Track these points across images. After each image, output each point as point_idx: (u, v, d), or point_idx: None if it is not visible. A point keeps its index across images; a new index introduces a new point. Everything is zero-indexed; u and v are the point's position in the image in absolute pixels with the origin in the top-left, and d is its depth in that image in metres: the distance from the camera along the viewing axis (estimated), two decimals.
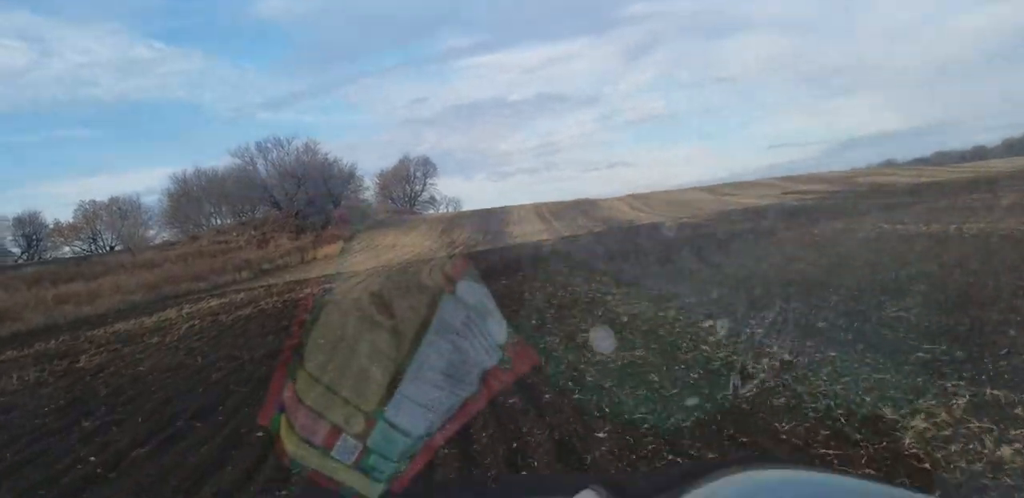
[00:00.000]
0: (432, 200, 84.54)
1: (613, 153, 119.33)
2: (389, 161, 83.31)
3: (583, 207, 62.56)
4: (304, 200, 53.85)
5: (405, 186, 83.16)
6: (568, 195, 70.50)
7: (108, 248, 62.34)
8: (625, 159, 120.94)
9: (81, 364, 13.23)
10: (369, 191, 75.81)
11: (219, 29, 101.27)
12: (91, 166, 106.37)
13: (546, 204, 66.94)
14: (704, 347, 7.70)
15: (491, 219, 58.04)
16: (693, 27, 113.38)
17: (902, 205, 30.00)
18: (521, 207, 65.91)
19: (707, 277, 13.85)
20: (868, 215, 26.45)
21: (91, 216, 66.43)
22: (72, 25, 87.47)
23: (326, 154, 60.12)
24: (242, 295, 26.89)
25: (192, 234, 56.09)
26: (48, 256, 60.07)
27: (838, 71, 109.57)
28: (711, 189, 71.92)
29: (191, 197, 64.38)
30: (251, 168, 55.18)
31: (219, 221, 63.62)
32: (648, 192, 74.69)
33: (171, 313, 22.99)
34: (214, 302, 25.30)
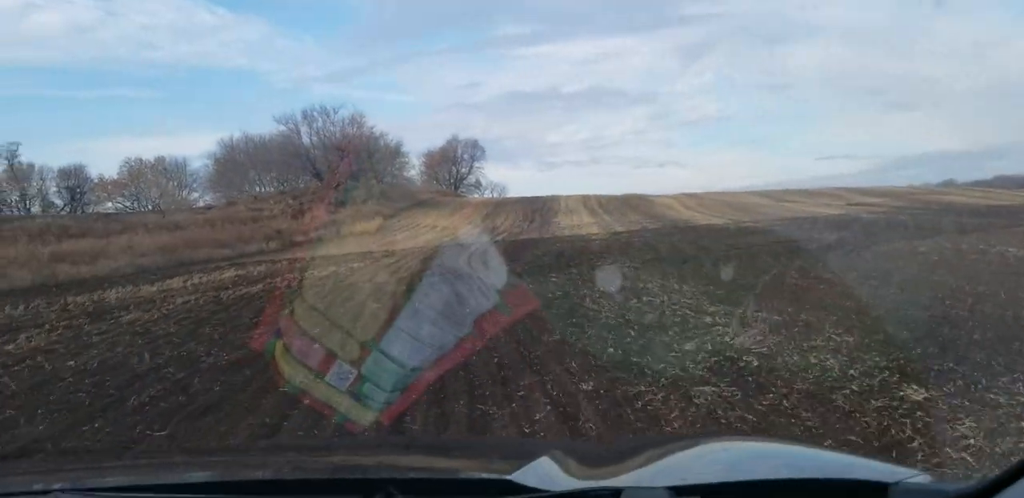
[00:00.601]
0: (478, 184, 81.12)
1: (663, 152, 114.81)
2: (436, 144, 79.76)
3: (633, 202, 58.64)
4: (346, 173, 50.73)
5: (451, 168, 79.86)
6: (615, 190, 66.55)
7: (151, 207, 60.35)
8: (675, 159, 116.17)
9: (11, 346, 10.04)
10: (414, 170, 72.67)
11: None
12: (146, 127, 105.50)
13: (596, 196, 63.10)
14: (957, 454, 4.10)
15: (538, 207, 54.46)
16: (753, 31, 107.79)
17: (995, 226, 25.92)
18: (569, 198, 62.15)
19: (833, 302, 10.18)
20: (967, 235, 22.47)
21: (135, 173, 64.51)
22: None
23: (372, 127, 56.93)
24: (261, 268, 23.81)
25: (230, 199, 53.53)
26: (91, 210, 58.27)
27: (897, 86, 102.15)
28: (768, 194, 67.43)
29: (236, 162, 61.92)
30: (295, 136, 52.23)
31: (262, 189, 61.07)
32: (701, 192, 70.48)
33: (175, 283, 19.95)
34: (228, 273, 22.24)
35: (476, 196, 74.37)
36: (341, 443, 3.62)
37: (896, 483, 1.20)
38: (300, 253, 30.81)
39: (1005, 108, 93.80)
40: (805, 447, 2.45)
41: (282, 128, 52.79)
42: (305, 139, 52.39)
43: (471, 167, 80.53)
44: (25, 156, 60.18)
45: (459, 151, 79.50)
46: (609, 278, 15.93)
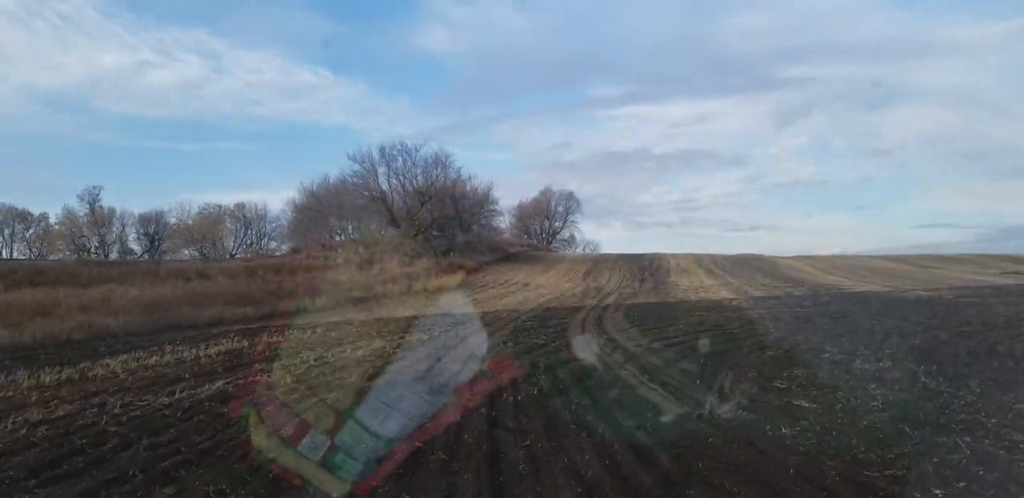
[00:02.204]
0: (571, 239, 72.16)
1: (755, 215, 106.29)
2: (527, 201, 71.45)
3: (754, 263, 48.43)
4: (427, 219, 42.63)
5: (544, 221, 71.34)
6: (710, 251, 57.01)
7: (230, 255, 54.48)
8: (767, 222, 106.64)
9: None
10: (504, 223, 64.23)
11: (381, 61, 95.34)
12: (244, 179, 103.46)
13: (708, 255, 53.31)
14: None
15: (644, 265, 44.99)
16: (852, 95, 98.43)
17: None
18: (677, 256, 52.53)
19: None
20: None
21: (212, 220, 59.01)
22: (245, 46, 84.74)
23: (459, 168, 48.40)
24: (276, 338, 15.37)
25: (295, 247, 46.38)
26: (167, 258, 52.62)
27: (1005, 152, 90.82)
28: (902, 259, 55.85)
29: (315, 209, 55.03)
30: (371, 178, 44.47)
31: (343, 237, 53.89)
32: (826, 255, 59.61)
33: (108, 365, 11.62)
34: (216, 348, 13.87)
35: (570, 252, 65.48)
36: None
37: None
38: (353, 313, 22.41)
39: None
40: None
41: (357, 168, 44.97)
42: (383, 182, 44.41)
43: (565, 221, 71.68)
44: (114, 202, 55.95)
45: (553, 203, 71.08)
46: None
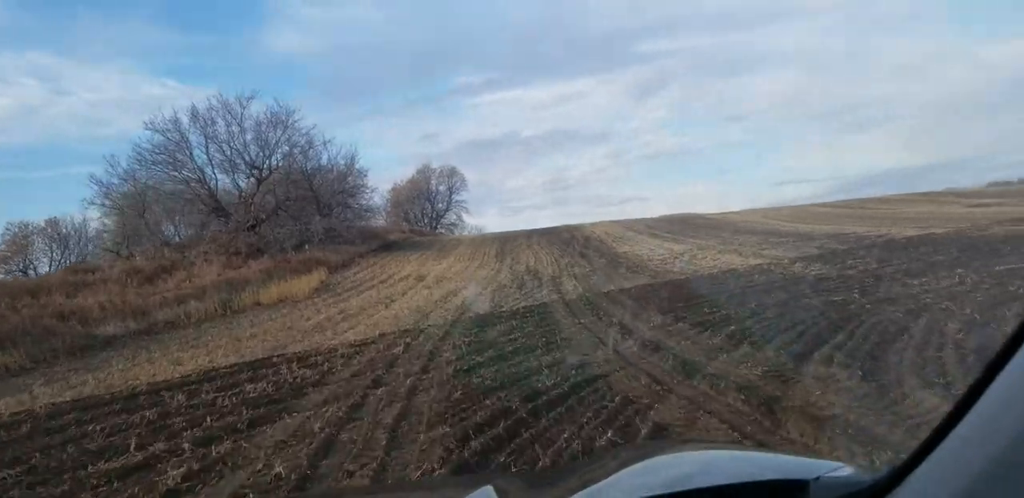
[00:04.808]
0: (459, 223, 60.00)
1: (624, 189, 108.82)
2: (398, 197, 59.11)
3: (699, 222, 38.84)
4: (270, 203, 29.80)
5: (424, 204, 58.95)
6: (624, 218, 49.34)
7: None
8: (636, 195, 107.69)
9: None
10: (376, 198, 50.79)
11: (233, 66, 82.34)
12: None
13: (634, 220, 43.57)
14: None
15: (567, 239, 34.22)
16: (705, 65, 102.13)
17: None
18: (598, 225, 42.44)
19: None
20: None
21: (20, 241, 43.01)
22: (85, 64, 70.22)
23: (310, 129, 33.75)
24: None
25: (78, 261, 32.35)
26: None
27: (849, 108, 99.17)
28: (845, 204, 48.13)
29: (136, 210, 40.14)
30: (182, 151, 30.82)
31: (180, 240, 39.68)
32: (759, 208, 51.26)
33: None
34: None
35: (465, 233, 53.83)
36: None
37: (816, 478, 1.16)
38: (70, 371, 10.25)
39: (954, 122, 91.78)
40: (732, 450, 2.27)
41: (161, 140, 30.46)
42: (198, 155, 30.46)
43: (449, 202, 59.55)
44: None
45: (433, 182, 58.88)
46: None
